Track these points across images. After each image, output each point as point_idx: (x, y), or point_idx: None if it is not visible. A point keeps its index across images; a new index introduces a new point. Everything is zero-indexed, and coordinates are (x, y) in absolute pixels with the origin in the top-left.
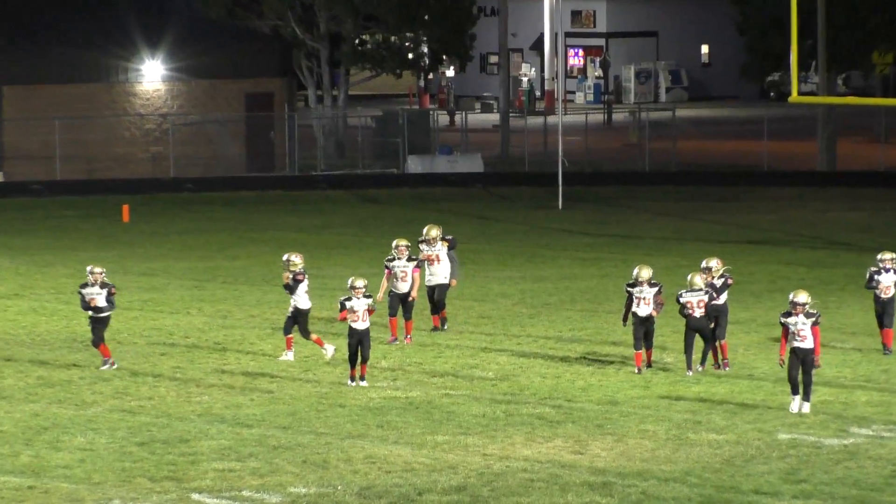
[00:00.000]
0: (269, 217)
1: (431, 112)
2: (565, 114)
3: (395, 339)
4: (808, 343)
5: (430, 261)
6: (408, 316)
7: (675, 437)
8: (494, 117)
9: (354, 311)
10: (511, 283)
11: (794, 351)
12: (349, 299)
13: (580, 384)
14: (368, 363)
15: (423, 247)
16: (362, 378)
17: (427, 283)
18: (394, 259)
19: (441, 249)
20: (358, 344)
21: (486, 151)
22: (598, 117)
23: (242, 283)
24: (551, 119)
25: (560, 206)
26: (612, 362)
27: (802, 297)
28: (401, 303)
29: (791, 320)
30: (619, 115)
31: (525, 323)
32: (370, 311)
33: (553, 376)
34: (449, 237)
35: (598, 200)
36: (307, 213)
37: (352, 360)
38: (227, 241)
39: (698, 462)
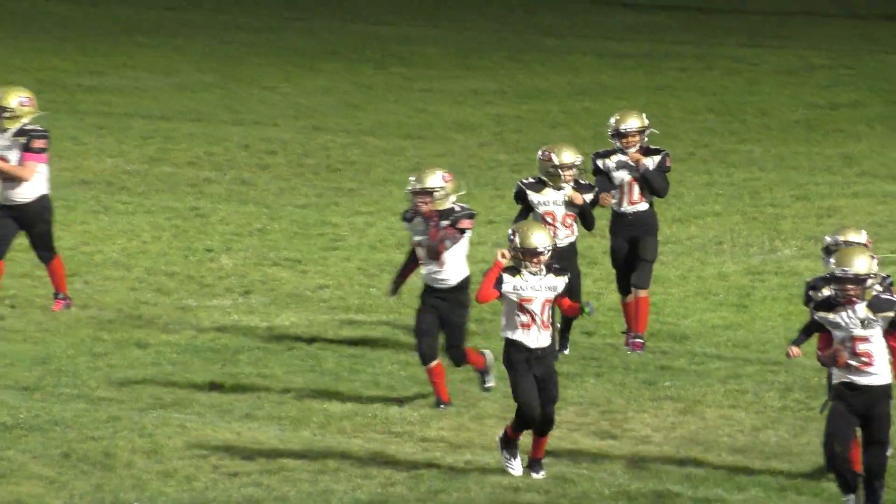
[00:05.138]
0: None
1: None
2: None
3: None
4: (876, 374)
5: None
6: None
7: None
8: None
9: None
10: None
11: (845, 393)
12: (512, 270)
13: (702, 307)
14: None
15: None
16: (537, 463)
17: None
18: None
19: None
20: (540, 380)
21: None
22: None
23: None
24: None
25: None
26: (772, 266)
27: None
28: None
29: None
30: None
31: None
32: (572, 309)
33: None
34: None
35: None
36: None
37: (523, 420)
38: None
39: None
